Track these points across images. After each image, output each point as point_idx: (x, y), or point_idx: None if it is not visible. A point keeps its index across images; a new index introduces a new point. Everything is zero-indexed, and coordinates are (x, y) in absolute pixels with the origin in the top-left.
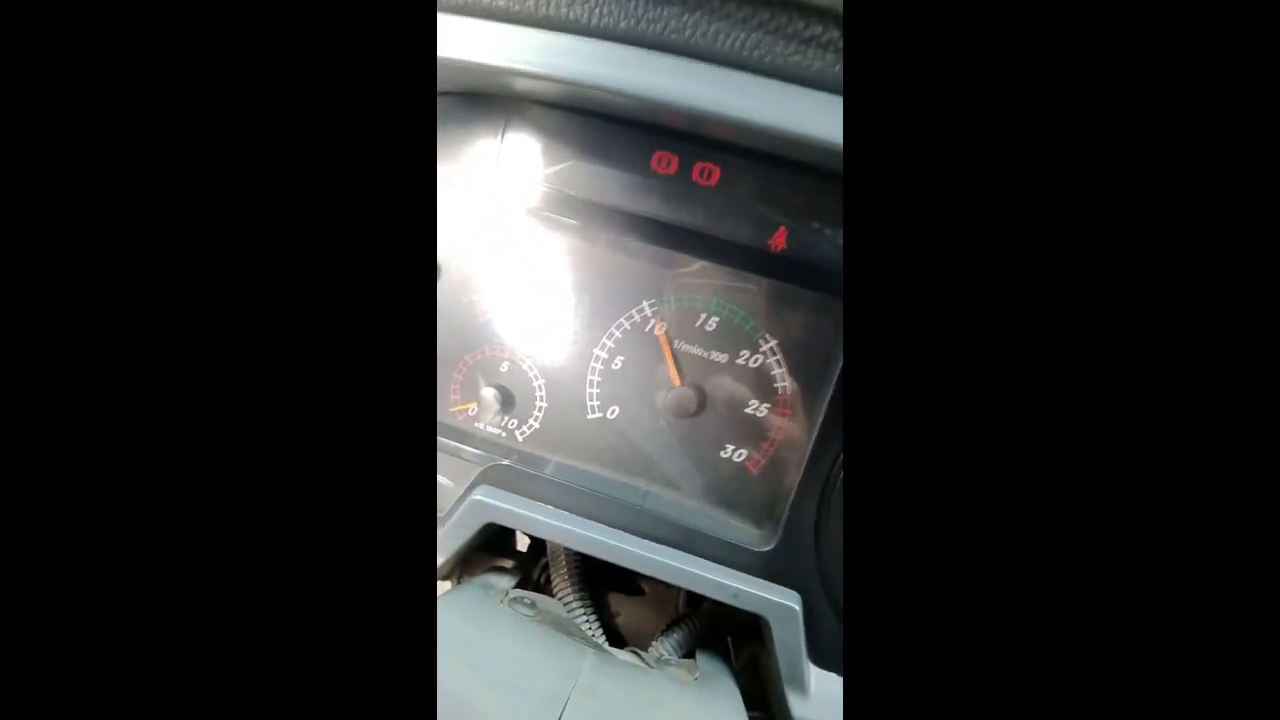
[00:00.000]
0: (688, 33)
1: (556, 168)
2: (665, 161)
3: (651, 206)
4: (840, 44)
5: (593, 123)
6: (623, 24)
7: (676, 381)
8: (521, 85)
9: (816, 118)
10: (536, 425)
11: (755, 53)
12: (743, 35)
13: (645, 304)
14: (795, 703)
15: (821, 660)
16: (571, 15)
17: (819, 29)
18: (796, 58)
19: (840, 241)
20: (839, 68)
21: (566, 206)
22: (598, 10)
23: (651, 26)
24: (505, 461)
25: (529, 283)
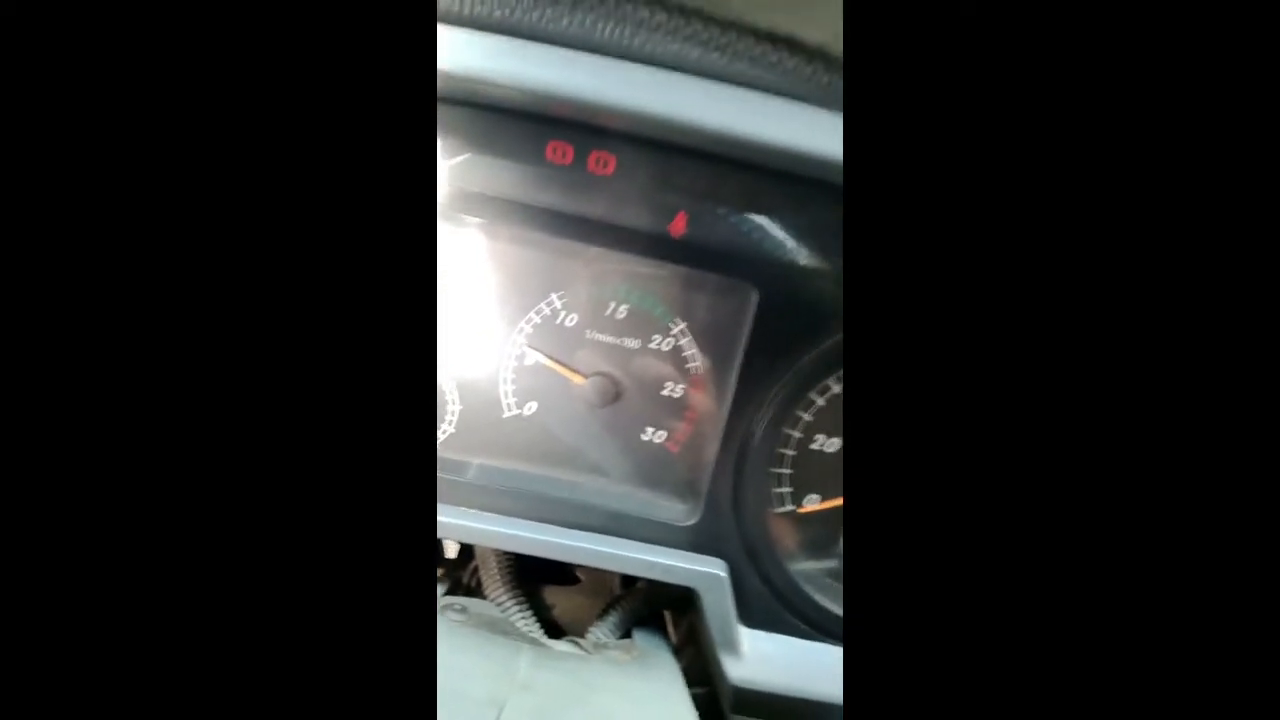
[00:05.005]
0: (564, 23)
1: (452, 162)
2: (560, 152)
3: (550, 198)
4: (710, 37)
5: (483, 115)
6: (497, 13)
7: (578, 380)
8: None
9: (703, 106)
10: (451, 429)
11: (634, 42)
12: (617, 27)
13: (554, 296)
14: (730, 664)
15: (751, 622)
16: (442, 4)
17: (686, 24)
18: (675, 47)
19: (738, 223)
20: (716, 56)
21: (467, 204)
22: (469, 1)
23: (526, 16)
24: None
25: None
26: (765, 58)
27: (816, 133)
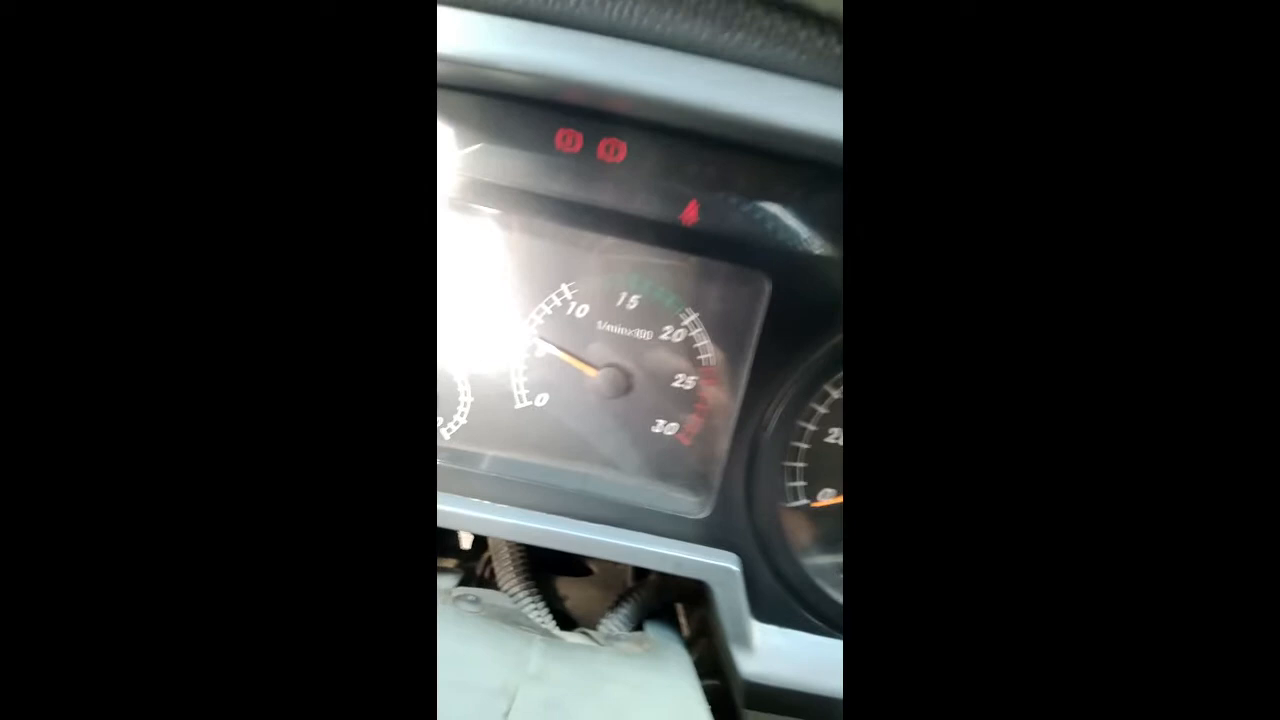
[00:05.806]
0: (572, 2)
1: (464, 151)
2: (569, 139)
3: (560, 187)
4: (717, 7)
5: (493, 103)
6: None
7: (590, 372)
8: None
9: (714, 88)
10: (463, 421)
11: (642, 21)
12: (624, 6)
13: (565, 287)
14: (741, 658)
15: (763, 616)
16: None
17: None
18: (685, 26)
19: (751, 211)
20: (728, 35)
21: (478, 194)
22: None
23: None
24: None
25: (444, 276)
26: (775, 29)
27: (828, 115)
